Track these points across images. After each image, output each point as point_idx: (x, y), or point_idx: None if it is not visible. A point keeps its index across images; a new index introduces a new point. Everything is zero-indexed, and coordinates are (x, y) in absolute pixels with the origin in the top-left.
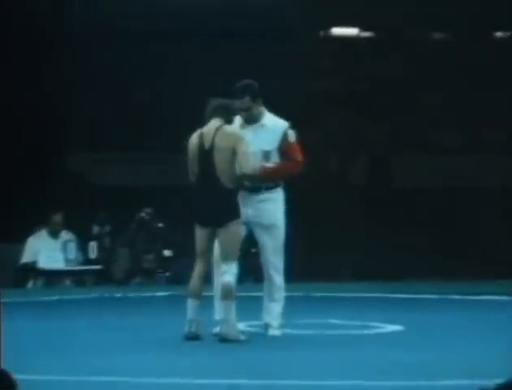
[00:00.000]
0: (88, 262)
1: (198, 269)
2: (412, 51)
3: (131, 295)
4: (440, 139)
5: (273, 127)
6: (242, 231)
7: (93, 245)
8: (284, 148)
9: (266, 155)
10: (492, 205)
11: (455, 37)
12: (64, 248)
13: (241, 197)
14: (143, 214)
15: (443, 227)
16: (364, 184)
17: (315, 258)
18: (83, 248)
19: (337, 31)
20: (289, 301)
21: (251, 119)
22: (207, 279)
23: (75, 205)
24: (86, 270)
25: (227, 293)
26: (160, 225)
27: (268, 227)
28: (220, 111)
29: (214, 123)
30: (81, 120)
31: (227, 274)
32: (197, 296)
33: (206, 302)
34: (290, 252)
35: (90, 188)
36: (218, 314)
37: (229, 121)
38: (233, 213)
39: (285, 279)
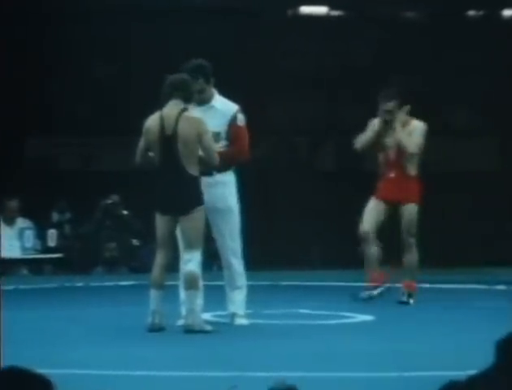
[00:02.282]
0: (47, 250)
1: (160, 258)
2: (385, 31)
3: (93, 284)
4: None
5: (223, 109)
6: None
7: (52, 233)
8: (232, 131)
9: (215, 137)
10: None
11: (429, 17)
12: (21, 235)
13: None
14: (109, 202)
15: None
16: (333, 170)
17: (280, 246)
18: (41, 236)
19: (306, 10)
20: (257, 290)
21: (202, 101)
22: (171, 268)
23: (33, 191)
24: (45, 258)
25: (191, 283)
26: (125, 212)
27: (223, 211)
28: (180, 89)
29: (175, 105)
30: (40, 101)
31: (190, 262)
32: (160, 286)
33: (170, 292)
34: (249, 239)
35: (49, 174)
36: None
37: (189, 100)
38: (196, 200)
39: (248, 267)
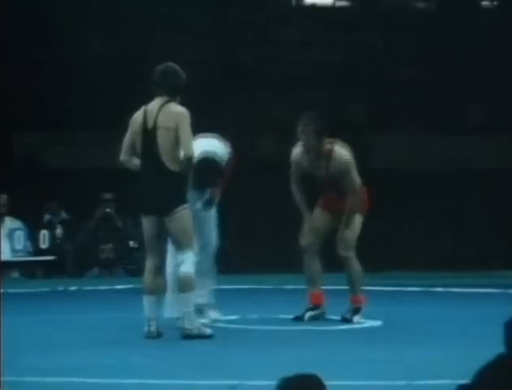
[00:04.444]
0: (38, 252)
1: (149, 263)
2: (391, 21)
3: (87, 288)
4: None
5: None
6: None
7: (44, 234)
8: None
9: None
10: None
11: (438, 7)
12: (11, 237)
13: None
14: (106, 210)
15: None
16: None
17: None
18: (32, 237)
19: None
20: (261, 293)
21: None
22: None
23: (23, 190)
24: (36, 261)
25: (185, 285)
26: (120, 224)
27: (199, 213)
28: (163, 85)
29: (160, 99)
30: (29, 95)
31: (184, 263)
32: (152, 291)
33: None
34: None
35: (40, 172)
36: (167, 312)
37: (174, 92)
38: (179, 198)
39: (252, 270)
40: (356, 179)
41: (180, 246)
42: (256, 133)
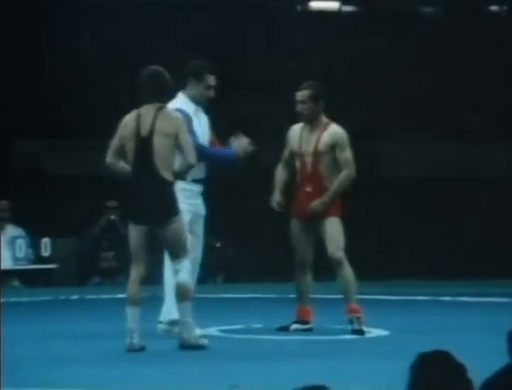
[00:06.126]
0: (40, 260)
1: (134, 273)
2: (398, 27)
3: (89, 297)
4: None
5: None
6: (185, 223)
7: (45, 242)
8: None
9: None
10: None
11: (446, 12)
12: (12, 245)
13: (185, 189)
14: (111, 217)
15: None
16: None
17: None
18: (34, 245)
19: (316, 5)
20: (267, 302)
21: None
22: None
23: (25, 197)
24: (38, 269)
25: (183, 294)
26: (124, 232)
27: (202, 219)
28: (152, 93)
29: (152, 106)
30: (30, 102)
31: (181, 272)
32: (136, 303)
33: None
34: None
35: (43, 179)
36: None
37: (162, 96)
38: (172, 209)
39: (258, 278)
40: (350, 155)
41: (176, 255)
42: (261, 141)
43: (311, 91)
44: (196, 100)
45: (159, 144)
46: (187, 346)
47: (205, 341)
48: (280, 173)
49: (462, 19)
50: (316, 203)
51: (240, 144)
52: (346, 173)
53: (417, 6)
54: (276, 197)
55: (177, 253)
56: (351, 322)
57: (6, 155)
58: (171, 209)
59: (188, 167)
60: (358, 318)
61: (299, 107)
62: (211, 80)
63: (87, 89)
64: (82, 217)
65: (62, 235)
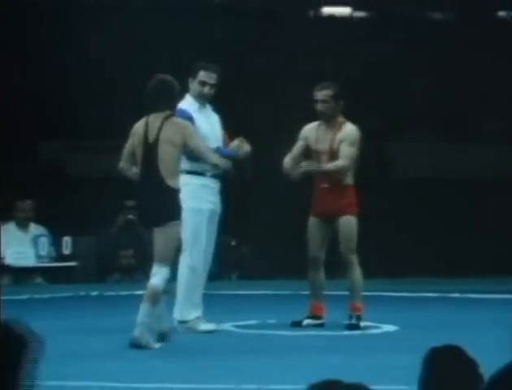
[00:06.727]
0: (61, 258)
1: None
2: (409, 32)
3: (108, 294)
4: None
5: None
6: (180, 233)
7: (66, 240)
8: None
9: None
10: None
11: (455, 17)
12: (35, 243)
13: (206, 185)
14: (129, 217)
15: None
16: None
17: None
18: (56, 243)
19: (328, 10)
20: (279, 298)
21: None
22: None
23: (47, 197)
24: (59, 266)
25: (150, 296)
26: (141, 231)
27: (217, 217)
28: (161, 101)
29: (161, 113)
30: (54, 102)
31: (156, 276)
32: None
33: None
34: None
35: (64, 179)
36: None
37: (172, 105)
38: (172, 213)
39: (269, 275)
40: (353, 152)
41: (159, 259)
42: (273, 143)
43: (333, 90)
44: (197, 98)
45: (164, 152)
46: (136, 345)
47: (156, 345)
48: (291, 158)
49: (471, 24)
50: (310, 166)
51: (242, 149)
52: (340, 163)
53: (427, 11)
54: (286, 161)
55: (161, 257)
56: (350, 318)
57: (31, 156)
58: (170, 213)
59: (214, 167)
60: (358, 316)
61: (320, 106)
62: (203, 75)
63: (109, 91)
64: (102, 216)
65: (83, 234)
